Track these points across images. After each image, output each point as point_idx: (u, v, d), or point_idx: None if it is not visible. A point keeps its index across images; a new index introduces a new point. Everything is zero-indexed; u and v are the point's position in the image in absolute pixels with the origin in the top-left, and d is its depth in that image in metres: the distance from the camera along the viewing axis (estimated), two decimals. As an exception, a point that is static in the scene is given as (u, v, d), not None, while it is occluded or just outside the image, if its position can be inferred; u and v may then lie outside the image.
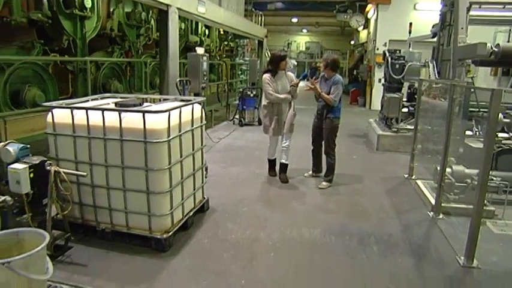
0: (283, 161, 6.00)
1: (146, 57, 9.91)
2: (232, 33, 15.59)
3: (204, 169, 4.56)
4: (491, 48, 5.83)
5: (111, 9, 8.71)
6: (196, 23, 12.42)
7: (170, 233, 3.74)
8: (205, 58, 7.54)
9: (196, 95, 7.38)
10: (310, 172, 6.21)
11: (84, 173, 3.51)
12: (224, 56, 16.13)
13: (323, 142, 5.92)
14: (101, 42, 8.69)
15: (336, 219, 4.60)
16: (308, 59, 33.47)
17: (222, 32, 15.60)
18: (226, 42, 16.44)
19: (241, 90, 11.70)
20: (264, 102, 5.83)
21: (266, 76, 5.66)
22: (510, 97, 6.14)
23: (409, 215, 4.81)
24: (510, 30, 12.11)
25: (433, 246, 4.00)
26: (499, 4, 7.38)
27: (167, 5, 6.80)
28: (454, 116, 5.08)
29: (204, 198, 4.64)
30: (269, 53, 20.29)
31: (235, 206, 4.86)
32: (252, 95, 10.85)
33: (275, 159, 6.17)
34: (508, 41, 12.43)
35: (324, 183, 5.81)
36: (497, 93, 3.26)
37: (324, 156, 6.00)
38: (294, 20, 25.59)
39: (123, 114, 3.53)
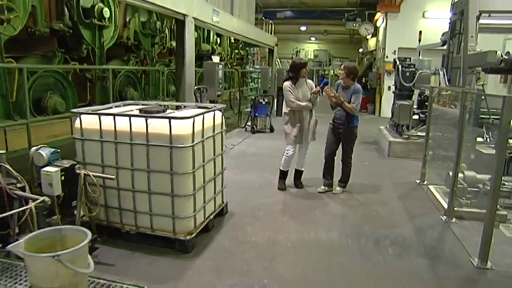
0: (299, 168, 6.03)
1: (160, 65, 10.14)
2: (243, 42, 15.81)
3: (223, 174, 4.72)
4: (502, 56, 5.93)
5: (128, 19, 8.95)
6: (208, 32, 12.65)
7: (193, 235, 3.90)
8: (220, 66, 7.76)
9: (212, 102, 7.58)
10: (323, 187, 5.92)
11: (113, 176, 3.68)
12: (235, 64, 16.35)
13: (337, 151, 5.84)
14: (118, 51, 8.93)
15: (351, 223, 4.73)
16: (316, 67, 33.59)
17: (232, 41, 15.84)
18: (237, 51, 16.68)
19: (253, 97, 11.86)
20: (285, 109, 5.78)
21: (287, 84, 5.63)
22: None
23: (422, 218, 4.93)
24: (520, 38, 12.22)
25: (447, 248, 4.12)
26: (508, 13, 7.49)
27: (184, 15, 7.02)
28: (465, 122, 5.21)
29: (224, 202, 4.79)
30: (279, 61, 20.57)
31: (252, 211, 5.01)
32: (264, 103, 11.01)
33: (288, 171, 5.98)
34: (517, 48, 12.54)
35: (338, 188, 5.85)
36: (509, 100, 3.39)
37: (336, 166, 5.92)
38: (303, 28, 25.81)
39: (149, 120, 3.70)
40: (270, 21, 17.59)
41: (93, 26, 7.53)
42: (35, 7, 6.28)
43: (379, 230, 4.47)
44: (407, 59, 9.65)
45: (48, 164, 3.55)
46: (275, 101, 13.55)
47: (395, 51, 14.97)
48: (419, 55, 10.56)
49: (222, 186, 4.69)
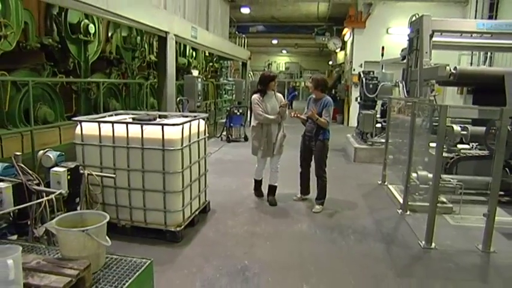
0: (272, 183, 5.93)
1: (140, 78, 10.64)
2: (217, 55, 16.46)
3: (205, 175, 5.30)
4: (450, 70, 6.74)
5: (110, 34, 9.45)
6: (185, 46, 13.23)
7: (182, 227, 4.46)
8: (199, 80, 8.34)
9: (192, 111, 8.15)
10: (299, 195, 6.07)
11: (113, 175, 4.22)
12: (209, 76, 16.95)
13: (312, 163, 5.82)
14: (100, 64, 9.39)
15: (319, 216, 5.39)
16: (288, 79, 34.54)
17: (207, 54, 16.45)
18: (211, 64, 17.29)
19: (228, 109, 12.47)
20: (253, 123, 5.72)
21: (255, 96, 5.61)
22: (470, 113, 7.10)
23: (381, 212, 5.65)
24: (472, 53, 13.35)
25: (400, 234, 4.84)
26: (457, 32, 8.39)
27: (166, 32, 7.61)
28: (422, 129, 5.96)
29: (206, 200, 5.37)
30: (252, 74, 21.30)
31: (231, 208, 5.60)
32: (238, 113, 11.65)
33: (261, 179, 6.10)
34: (471, 63, 13.69)
35: (318, 206, 5.67)
36: (443, 110, 4.12)
37: (312, 178, 5.91)
38: (274, 41, 26.68)
39: (144, 127, 4.27)
40: (243, 36, 18.31)
41: (79, 41, 8.01)
42: (27, 23, 6.74)
43: (343, 222, 5.14)
44: (371, 72, 10.50)
45: (56, 165, 4.06)
46: (248, 112, 14.22)
47: (361, 64, 15.86)
48: (382, 69, 11.43)
49: (205, 186, 5.28)
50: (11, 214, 3.49)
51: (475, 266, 4.11)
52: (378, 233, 4.86)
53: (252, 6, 17.78)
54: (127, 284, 2.63)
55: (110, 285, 2.61)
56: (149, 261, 2.99)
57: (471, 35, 8.59)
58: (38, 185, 3.63)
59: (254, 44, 23.92)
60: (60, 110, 7.55)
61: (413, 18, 8.52)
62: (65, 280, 2.33)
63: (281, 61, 36.47)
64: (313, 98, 5.78)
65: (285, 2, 17.51)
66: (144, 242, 4.39)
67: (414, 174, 5.82)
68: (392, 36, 15.64)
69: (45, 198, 3.33)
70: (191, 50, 14.21)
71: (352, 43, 16.85)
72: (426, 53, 7.91)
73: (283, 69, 36.20)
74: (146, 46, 10.91)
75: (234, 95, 17.56)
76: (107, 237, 2.85)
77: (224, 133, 11.83)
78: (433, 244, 4.42)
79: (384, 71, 11.32)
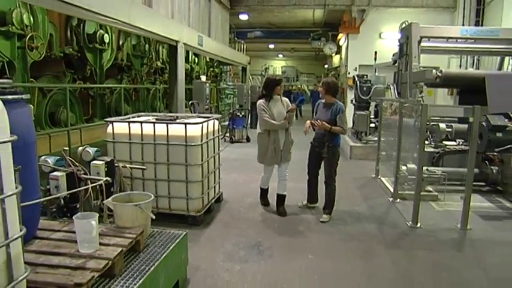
0: (280, 192, 5.66)
1: (147, 83, 11.34)
2: (218, 60, 17.17)
3: (219, 169, 5.99)
4: (436, 73, 7.44)
5: (121, 42, 10.14)
6: (188, 52, 13.95)
7: (202, 212, 5.15)
8: (207, 84, 9.05)
9: (200, 113, 8.86)
10: (305, 202, 5.91)
11: (144, 167, 4.90)
12: (210, 81, 17.67)
13: (320, 172, 5.69)
14: (112, 71, 10.08)
15: (319, 205, 6.06)
16: (284, 83, 35.19)
17: (208, 60, 17.17)
18: (212, 69, 18.02)
19: (230, 111, 13.18)
20: (259, 129, 5.52)
21: (261, 102, 5.39)
22: (456, 112, 7.81)
23: (374, 200, 6.37)
24: (460, 56, 14.11)
25: (391, 217, 5.57)
26: (443, 38, 9.12)
27: (176, 41, 8.31)
28: (412, 128, 6.66)
29: (220, 191, 6.07)
30: (251, 78, 22.01)
31: (242, 198, 6.29)
32: (240, 116, 12.36)
33: (268, 188, 5.93)
34: (460, 65, 14.45)
35: (325, 215, 5.45)
36: (424, 108, 4.84)
37: (320, 186, 5.77)
38: (271, 46, 27.43)
39: (169, 126, 4.96)
40: (242, 42, 19.04)
41: (95, 50, 8.70)
42: (51, 35, 7.43)
43: (340, 208, 5.82)
44: (365, 76, 11.24)
45: (94, 159, 4.74)
46: (249, 114, 14.95)
47: (356, 68, 16.55)
48: (375, 72, 12.18)
49: (219, 178, 5.97)
50: (61, 200, 4.16)
51: (454, 240, 4.85)
52: (371, 216, 5.59)
53: (250, 13, 18.50)
54: (171, 247, 3.33)
55: (158, 248, 3.31)
56: (185, 233, 3.72)
57: (456, 40, 9.30)
58: (84, 174, 4.32)
59: (251, 49, 24.65)
60: (80, 114, 8.22)
61: (403, 25, 9.23)
62: (127, 241, 3.03)
63: (278, 65, 37.19)
64: (322, 103, 5.50)
65: (282, 9, 18.20)
66: (169, 226, 5.02)
67: (404, 167, 6.53)
68: (384, 41, 16.34)
69: (96, 184, 4.00)
70: (193, 56, 14.94)
71: (346, 48, 17.58)
72: (415, 57, 8.61)
73: (280, 72, 36.87)
74: (153, 53, 11.63)
75: (234, 99, 18.25)
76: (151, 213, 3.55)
77: (227, 134, 12.52)
78: (419, 224, 5.15)
79: (376, 74, 12.06)
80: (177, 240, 3.50)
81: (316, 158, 5.58)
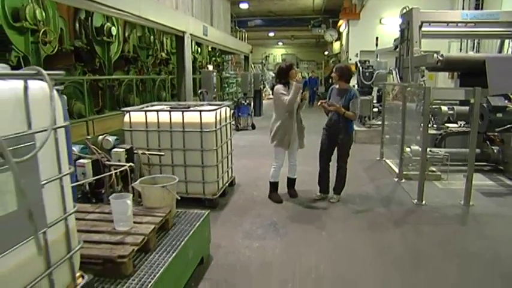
0: (291, 176, 5.84)
1: (152, 74, 11.54)
2: (220, 50, 17.33)
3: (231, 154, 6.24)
4: (437, 58, 7.62)
5: (127, 34, 10.33)
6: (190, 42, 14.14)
7: (217, 195, 5.42)
8: (214, 74, 9.25)
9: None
10: (319, 193, 5.77)
11: (163, 153, 5.15)
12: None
13: (331, 157, 5.67)
14: (119, 63, 10.29)
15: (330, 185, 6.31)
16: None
17: (210, 49, 17.34)
18: (214, 58, 18.19)
19: (236, 100, 13.40)
20: (276, 119, 5.46)
21: (279, 87, 5.36)
22: (458, 95, 8.03)
23: (380, 181, 6.64)
24: (461, 40, 14.26)
25: (397, 196, 5.84)
26: (443, 22, 9.29)
27: (183, 32, 8.50)
28: (415, 111, 6.88)
29: (233, 176, 6.32)
30: (253, 66, 22.15)
31: (253, 182, 6.55)
32: (245, 104, 12.57)
33: (278, 182, 5.79)
34: (460, 49, 14.61)
35: (336, 196, 5.64)
36: (427, 91, 5.07)
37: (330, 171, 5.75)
38: (271, 34, 27.51)
39: (185, 113, 5.20)
40: (244, 30, 19.17)
41: (103, 42, 8.91)
42: (62, 29, 7.63)
43: (349, 189, 6.05)
44: (367, 62, 11.43)
45: (114, 147, 4.98)
46: (252, 103, 15.19)
47: (357, 54, 16.73)
48: (377, 57, 12.37)
49: (231, 163, 6.22)
50: (86, 185, 4.40)
51: (457, 215, 5.12)
52: (378, 195, 5.86)
53: (250, 1, 18.61)
54: (196, 226, 3.61)
55: (184, 226, 3.58)
56: (207, 212, 3.99)
57: (457, 25, 9.45)
58: (107, 161, 4.57)
59: (251, 37, 24.74)
60: (90, 105, 8.45)
61: (404, 10, 9.38)
62: (157, 219, 3.29)
63: (278, 53, 37.15)
64: (335, 88, 5.49)
65: (282, -3, 18.37)
66: (188, 209, 5.30)
67: (408, 149, 6.78)
68: (385, 26, 16.48)
69: (122, 169, 4.25)
70: (196, 46, 15.12)
71: (347, 34, 17.72)
72: (416, 42, 8.76)
73: (280, 61, 36.90)
74: (158, 44, 11.82)
75: (236, 88, 18.46)
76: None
77: (233, 122, 12.72)
78: (424, 201, 5.42)
79: (378, 59, 12.25)
80: (201, 219, 3.76)
81: (329, 144, 5.54)
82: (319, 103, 5.48)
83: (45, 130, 1.87)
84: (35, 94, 1.91)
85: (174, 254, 3.02)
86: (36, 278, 1.90)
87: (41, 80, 2.01)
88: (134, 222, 3.17)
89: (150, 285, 2.60)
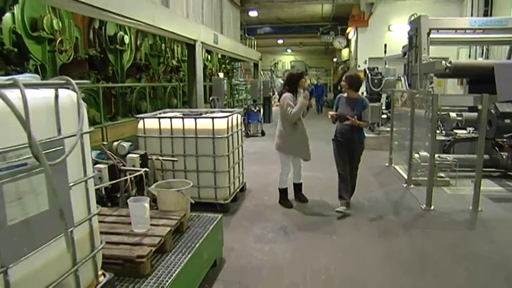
0: (297, 181, 5.93)
1: (163, 81, 11.72)
2: (229, 57, 17.52)
3: (242, 160, 6.36)
4: (446, 64, 7.70)
5: (139, 42, 10.54)
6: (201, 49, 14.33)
7: (229, 200, 5.53)
8: (225, 81, 9.41)
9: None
10: (342, 207, 5.32)
11: (176, 159, 5.28)
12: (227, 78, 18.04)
13: (351, 167, 5.54)
14: (131, 71, 10.49)
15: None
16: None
17: (220, 56, 17.53)
18: (224, 65, 18.38)
19: (245, 107, 13.55)
20: (280, 126, 5.56)
21: (288, 95, 5.41)
22: (467, 101, 8.09)
23: (389, 186, 6.71)
24: (470, 47, 14.30)
25: (406, 201, 5.92)
26: (451, 29, 9.37)
27: (194, 40, 8.68)
28: (424, 118, 6.94)
29: (244, 181, 6.44)
30: (262, 73, 22.32)
31: (264, 188, 6.66)
32: (255, 110, 12.72)
33: (287, 188, 5.88)
34: (469, 56, 14.65)
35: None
36: (435, 97, 5.16)
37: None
38: (280, 41, 27.70)
39: (198, 120, 5.34)
40: (253, 38, 19.36)
41: (116, 51, 9.10)
42: (77, 38, 7.83)
43: (358, 194, 6.13)
44: (375, 68, 11.52)
45: (129, 152, 5.12)
46: (261, 109, 15.34)
47: (366, 61, 16.83)
48: (385, 64, 12.46)
49: (242, 169, 6.34)
50: (102, 190, 4.54)
51: (466, 220, 5.18)
52: (388, 200, 5.94)
53: (259, 9, 18.82)
54: (210, 229, 3.72)
55: (198, 229, 3.69)
56: (220, 216, 4.10)
57: (465, 31, 9.52)
58: (123, 166, 4.71)
59: (260, 45, 24.93)
60: (104, 112, 8.63)
61: (412, 17, 9.47)
62: (173, 222, 3.41)
63: (286, 60, 37.35)
64: (344, 97, 5.43)
65: (291, 4, 18.51)
66: (200, 213, 5.44)
67: (417, 155, 6.85)
68: (394, 33, 16.57)
69: (137, 174, 4.39)
70: (206, 54, 15.31)
71: (356, 41, 17.83)
72: (424, 49, 8.84)
73: (289, 67, 37.07)
74: (169, 52, 12.01)
75: (245, 95, 18.62)
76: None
77: (243, 129, 12.86)
78: (432, 206, 5.49)
79: (387, 66, 12.33)
80: (214, 223, 3.88)
81: (345, 154, 5.41)
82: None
83: (74, 135, 2.01)
84: (63, 102, 2.06)
85: (189, 255, 3.14)
86: (64, 274, 2.03)
87: (68, 88, 2.17)
88: (151, 225, 3.30)
89: (167, 284, 2.71)
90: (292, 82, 5.53)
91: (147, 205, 3.18)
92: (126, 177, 4.50)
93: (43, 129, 1.87)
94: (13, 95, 1.63)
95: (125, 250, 2.87)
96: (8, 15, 6.11)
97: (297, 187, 6.00)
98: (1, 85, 1.61)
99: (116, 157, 4.74)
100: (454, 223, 5.05)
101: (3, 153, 1.61)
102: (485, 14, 14.02)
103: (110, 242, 2.98)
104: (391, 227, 4.96)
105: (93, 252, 2.33)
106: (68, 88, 2.17)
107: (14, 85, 1.66)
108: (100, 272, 2.48)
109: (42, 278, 1.90)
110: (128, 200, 3.32)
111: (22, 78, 1.85)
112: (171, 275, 2.82)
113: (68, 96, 2.15)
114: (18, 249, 1.71)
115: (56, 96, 1.99)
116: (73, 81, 2.07)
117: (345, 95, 5.41)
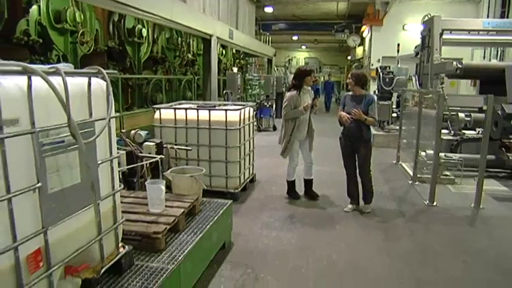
0: (308, 177, 5.93)
1: (179, 74, 12.00)
2: (244, 52, 17.73)
3: (253, 151, 6.59)
4: (457, 65, 7.82)
5: (156, 36, 10.81)
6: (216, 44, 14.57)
7: (239, 189, 5.78)
8: (239, 75, 9.64)
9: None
10: (351, 206, 5.50)
11: (190, 148, 5.54)
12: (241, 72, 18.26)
13: (357, 166, 5.43)
14: (148, 63, 10.78)
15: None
16: (307, 74, 35.34)
17: (234, 51, 17.76)
18: (238, 60, 18.61)
19: (258, 101, 13.77)
20: (284, 121, 5.74)
21: (292, 95, 5.55)
22: (476, 102, 8.20)
23: (395, 183, 6.90)
24: (484, 48, 14.28)
25: (410, 197, 6.10)
26: (465, 30, 9.46)
27: (210, 35, 8.91)
28: (431, 117, 7.09)
29: (254, 173, 6.68)
30: (276, 69, 22.48)
31: (273, 179, 6.89)
32: (267, 106, 12.93)
33: (295, 180, 6.00)
34: (484, 57, 14.63)
35: (367, 205, 5.47)
36: (441, 97, 5.33)
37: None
38: (295, 37, 27.77)
39: (212, 112, 5.58)
40: (268, 34, 19.51)
41: (134, 43, 9.39)
42: (97, 30, 8.13)
43: (364, 189, 6.37)
44: (387, 67, 11.64)
45: (145, 141, 5.38)
46: (274, 105, 15.54)
47: (379, 59, 16.86)
48: (398, 64, 12.54)
49: (253, 160, 6.58)
50: (120, 174, 4.80)
51: (467, 216, 5.36)
52: (392, 196, 6.14)
53: (275, 5, 18.95)
54: (220, 212, 3.97)
55: (209, 212, 3.94)
56: (230, 202, 4.35)
57: (478, 33, 9.59)
58: (140, 153, 4.98)
59: (275, 40, 25.04)
60: (121, 103, 8.92)
61: (426, 18, 9.58)
62: (186, 204, 3.66)
63: (301, 56, 37.38)
64: (349, 95, 5.44)
65: (306, 1, 18.58)
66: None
67: (423, 153, 7.01)
68: (408, 33, 16.54)
69: (153, 160, 4.65)
70: (221, 49, 15.55)
71: (370, 39, 17.87)
72: (436, 49, 8.95)
73: (303, 64, 37.12)
74: (185, 46, 12.28)
75: (259, 90, 18.79)
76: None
77: (255, 123, 13.09)
78: (435, 202, 5.67)
79: (399, 65, 12.42)
80: (224, 207, 4.13)
81: (352, 153, 5.39)
82: (343, 119, 5.24)
83: (104, 119, 2.27)
84: (94, 89, 2.31)
85: (200, 235, 3.39)
86: (91, 241, 2.29)
87: (98, 77, 2.42)
88: (166, 206, 3.55)
89: (179, 259, 2.96)
90: (300, 77, 5.61)
91: (163, 187, 3.44)
92: (142, 163, 4.77)
93: (77, 112, 2.12)
94: (55, 81, 1.88)
95: (142, 227, 3.13)
96: (34, 7, 6.43)
97: (307, 183, 5.97)
98: (46, 72, 1.86)
99: (133, 144, 5.01)
100: (454, 219, 5.23)
101: (46, 131, 1.87)
102: (502, 16, 13.95)
103: (129, 220, 3.25)
104: (394, 220, 5.16)
105: (115, 225, 2.59)
106: (97, 77, 2.43)
107: (56, 73, 1.92)
108: (120, 244, 2.74)
109: (73, 242, 2.17)
110: (145, 182, 3.58)
111: (62, 66, 2.10)
112: (183, 251, 3.07)
113: (98, 84, 2.40)
114: (55, 215, 1.97)
115: (89, 83, 2.24)
116: (104, 71, 2.32)
117: (351, 92, 5.44)
